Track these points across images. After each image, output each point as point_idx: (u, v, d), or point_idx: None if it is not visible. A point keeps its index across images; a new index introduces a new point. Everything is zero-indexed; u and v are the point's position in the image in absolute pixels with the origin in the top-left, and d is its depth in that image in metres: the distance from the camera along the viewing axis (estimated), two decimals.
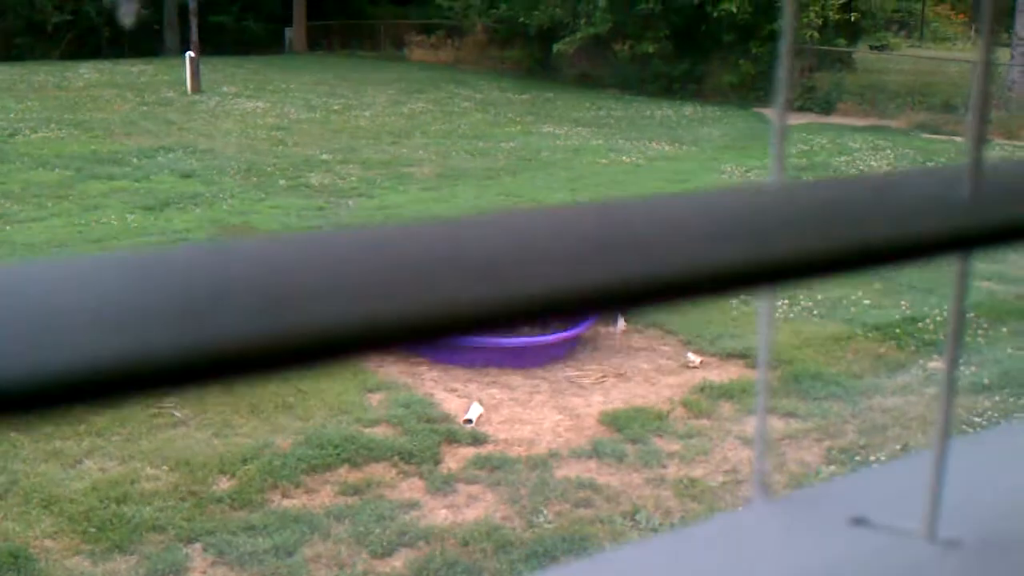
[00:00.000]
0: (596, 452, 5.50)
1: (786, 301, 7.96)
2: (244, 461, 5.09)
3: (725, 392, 6.30)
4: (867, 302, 8.02)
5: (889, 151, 15.67)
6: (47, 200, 11.00)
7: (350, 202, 11.50)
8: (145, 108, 17.88)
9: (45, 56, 27.36)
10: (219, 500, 4.74)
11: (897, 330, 7.45)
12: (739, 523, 0.82)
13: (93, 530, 4.43)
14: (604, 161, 14.60)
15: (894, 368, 6.89)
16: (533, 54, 26.26)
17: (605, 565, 0.76)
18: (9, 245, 9.20)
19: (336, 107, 18.84)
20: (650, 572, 0.71)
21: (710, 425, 5.92)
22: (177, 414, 5.62)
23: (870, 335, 7.38)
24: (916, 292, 8.29)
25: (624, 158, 14.84)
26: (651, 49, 22.51)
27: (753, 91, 21.62)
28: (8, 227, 9.88)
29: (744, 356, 6.88)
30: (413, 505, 4.85)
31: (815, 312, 7.80)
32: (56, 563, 4.22)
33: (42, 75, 21.91)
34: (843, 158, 15.01)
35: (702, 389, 6.34)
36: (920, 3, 30.80)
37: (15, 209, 10.56)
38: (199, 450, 5.20)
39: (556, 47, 23.49)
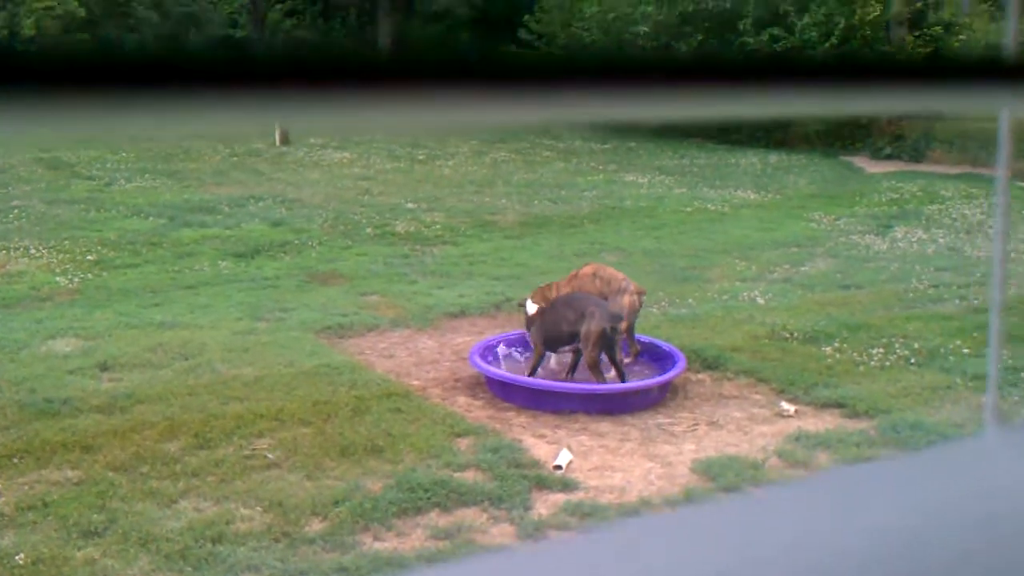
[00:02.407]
0: (689, 501, 5.40)
1: (882, 349, 7.78)
2: (336, 503, 5.09)
3: (821, 441, 6.14)
4: (966, 351, 7.80)
5: (983, 199, 15.33)
6: (142, 247, 11.26)
7: (435, 250, 11.58)
8: (235, 159, 18.28)
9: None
10: (311, 541, 4.74)
11: (998, 380, 7.22)
12: (972, 449, 0.80)
13: (189, 569, 4.45)
14: (688, 209, 14.51)
15: (998, 419, 6.66)
16: None
17: (841, 478, 0.74)
18: (105, 290, 9.42)
19: (420, 157, 19.06)
20: (883, 492, 0.68)
21: (806, 475, 5.77)
22: (270, 456, 5.65)
23: (970, 384, 7.17)
24: (1017, 343, 8.04)
25: (709, 206, 14.74)
26: None
27: (840, 139, 21.40)
28: (105, 273, 10.12)
29: (840, 405, 6.71)
30: (503, 550, 4.79)
31: (912, 361, 7.61)
32: None
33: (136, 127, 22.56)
34: (935, 206, 14.72)
35: (797, 438, 6.20)
36: (1016, 47, 30.22)
37: (111, 256, 10.82)
38: (292, 492, 5.21)
39: None
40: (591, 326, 6.85)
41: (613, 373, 7.05)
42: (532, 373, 7.11)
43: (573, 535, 4.96)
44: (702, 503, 5.27)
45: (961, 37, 23.90)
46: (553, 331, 7.07)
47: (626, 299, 7.40)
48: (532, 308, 7.24)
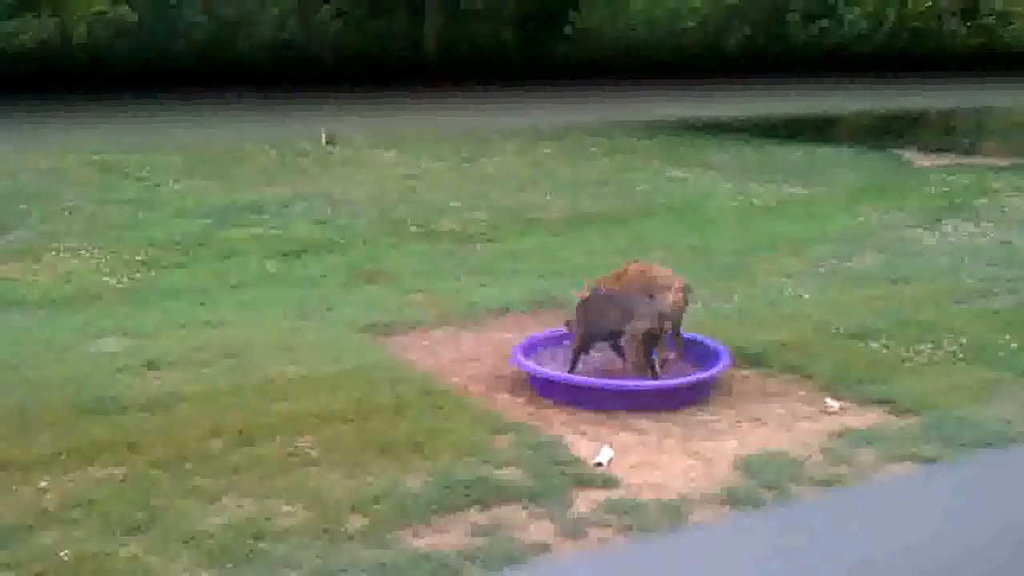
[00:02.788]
0: (730, 498, 5.35)
1: (930, 345, 7.67)
2: (376, 500, 5.11)
3: (866, 438, 6.06)
4: (1015, 346, 7.66)
5: None
6: (189, 247, 11.38)
7: (478, 247, 11.59)
8: (282, 160, 18.42)
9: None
10: (351, 538, 4.77)
11: None
12: None
13: (231, 565, 4.49)
14: (734, 204, 14.40)
15: None
16: None
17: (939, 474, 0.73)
18: (153, 290, 9.54)
19: (464, 155, 19.09)
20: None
21: (849, 472, 5.70)
22: (311, 452, 5.69)
23: (1019, 380, 7.04)
24: None
25: (755, 201, 14.61)
26: None
27: (889, 133, 21.11)
28: (153, 273, 10.24)
29: (886, 401, 6.62)
30: (543, 547, 4.78)
31: (960, 356, 7.49)
32: None
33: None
34: (985, 199, 14.47)
35: (841, 435, 6.12)
36: None
37: (159, 256, 10.95)
38: (332, 488, 5.24)
39: None
40: (637, 325, 6.82)
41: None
42: (572, 368, 7.10)
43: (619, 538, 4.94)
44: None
45: (1014, 26, 23.48)
46: (593, 327, 7.06)
47: (671, 297, 7.35)
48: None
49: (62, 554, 4.55)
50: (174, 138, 0.55)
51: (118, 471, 5.44)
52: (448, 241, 11.91)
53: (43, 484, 5.27)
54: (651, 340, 6.87)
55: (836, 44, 20.87)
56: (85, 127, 0.52)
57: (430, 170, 17.39)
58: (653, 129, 23.55)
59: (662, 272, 7.63)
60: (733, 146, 20.67)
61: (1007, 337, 7.83)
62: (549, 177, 16.64)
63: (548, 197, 14.77)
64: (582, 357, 7.28)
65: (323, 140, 20.13)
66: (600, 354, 7.36)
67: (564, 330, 7.30)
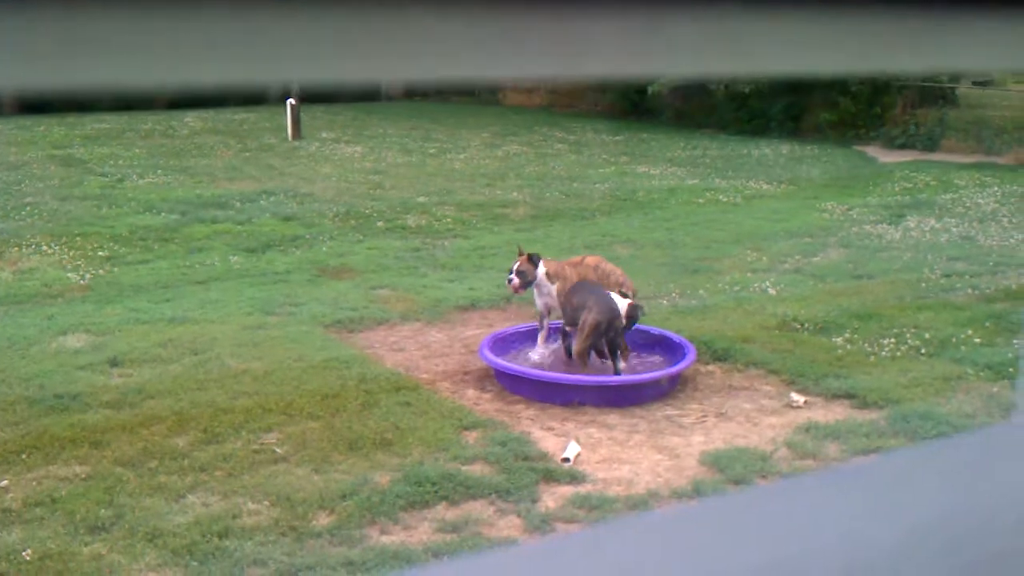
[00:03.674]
0: (697, 493, 5.38)
1: (893, 340, 7.74)
2: (343, 497, 5.09)
3: (831, 432, 6.11)
4: (977, 340, 7.75)
5: (996, 188, 15.24)
6: (153, 243, 11.29)
7: (446, 243, 11.57)
8: (247, 154, 18.31)
9: (151, 105, 28.27)
10: (319, 535, 4.75)
11: (1011, 369, 7.18)
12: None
13: (196, 564, 4.46)
14: (700, 201, 14.47)
15: (1008, 408, 6.62)
16: (627, 95, 26.27)
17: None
18: (116, 286, 9.45)
19: (431, 151, 19.06)
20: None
21: (815, 466, 5.75)
22: (278, 451, 5.66)
23: (981, 375, 7.12)
24: None
25: (721, 197, 14.69)
26: (747, 88, 22.35)
27: (852, 128, 21.29)
28: (116, 269, 10.15)
29: (850, 396, 6.68)
30: (511, 543, 4.78)
31: (923, 351, 7.56)
32: None
33: (148, 123, 22.61)
34: (948, 195, 14.63)
35: (807, 429, 6.17)
36: None
37: (123, 252, 10.85)
38: (299, 486, 5.22)
39: (651, 88, 23.46)
40: (588, 317, 6.88)
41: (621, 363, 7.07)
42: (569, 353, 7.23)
43: (583, 528, 4.95)
44: (732, 495, 5.27)
45: None
46: (569, 313, 7.13)
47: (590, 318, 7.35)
48: (541, 270, 7.29)
49: (25, 553, 4.50)
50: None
51: (82, 469, 5.38)
52: (415, 237, 11.89)
53: (5, 483, 5.21)
54: (598, 333, 6.93)
55: None
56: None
57: (397, 165, 17.34)
58: (619, 126, 23.61)
59: (615, 270, 7.60)
60: (699, 142, 20.77)
61: (969, 332, 7.92)
62: (516, 172, 16.64)
63: (515, 193, 14.78)
64: (552, 347, 7.36)
65: (288, 134, 20.00)
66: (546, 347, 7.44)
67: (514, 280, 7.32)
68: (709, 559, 0.69)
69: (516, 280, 7.27)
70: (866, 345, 7.67)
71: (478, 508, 5.10)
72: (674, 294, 9.13)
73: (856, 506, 0.73)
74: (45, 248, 10.86)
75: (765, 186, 15.72)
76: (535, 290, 7.35)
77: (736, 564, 0.69)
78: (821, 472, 5.63)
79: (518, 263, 7.31)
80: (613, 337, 6.99)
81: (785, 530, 0.70)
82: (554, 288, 7.26)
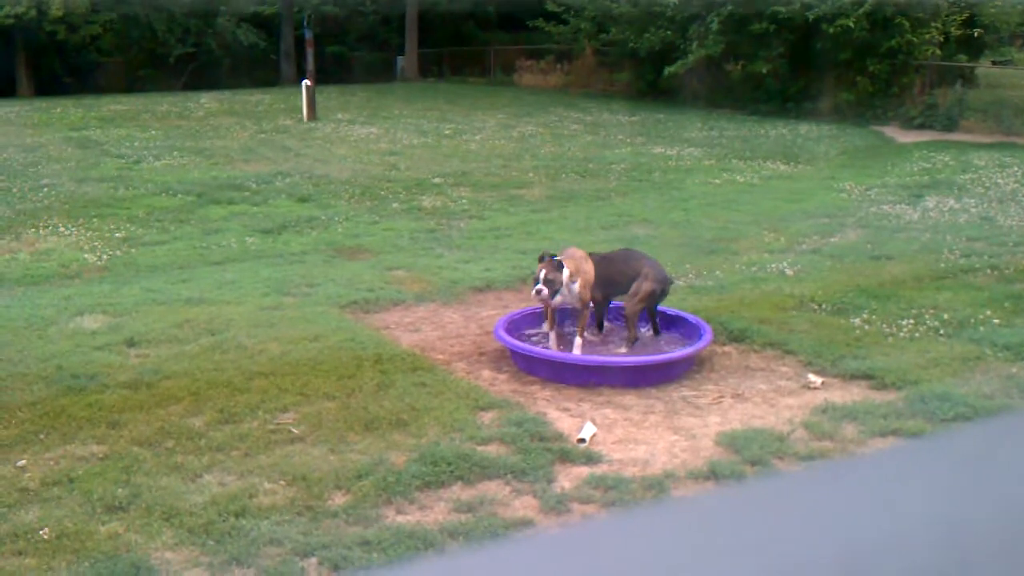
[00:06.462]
0: (713, 474, 5.36)
1: (911, 320, 7.69)
2: (359, 477, 5.09)
3: (848, 413, 6.08)
4: (996, 321, 7.69)
5: (1016, 168, 15.11)
6: (170, 224, 11.32)
7: (461, 224, 11.56)
8: (263, 135, 18.31)
9: (168, 87, 28.29)
10: (334, 515, 4.75)
11: None
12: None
13: (212, 543, 4.47)
14: (717, 181, 14.40)
15: None
16: (643, 76, 26.15)
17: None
18: (133, 267, 9.48)
19: (447, 132, 19.02)
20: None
21: (832, 447, 5.72)
22: (294, 430, 5.67)
23: (1000, 355, 7.07)
24: None
25: (738, 177, 14.61)
26: (764, 68, 22.20)
27: (871, 109, 21.13)
28: (133, 250, 10.18)
29: (868, 377, 6.64)
30: (527, 523, 4.78)
31: (941, 332, 7.51)
32: (176, 575, 4.27)
33: (165, 105, 22.64)
34: (967, 175, 14.52)
35: (824, 410, 6.13)
36: None
37: (140, 233, 10.88)
38: (315, 466, 5.22)
39: (668, 69, 23.31)
40: (644, 285, 7.05)
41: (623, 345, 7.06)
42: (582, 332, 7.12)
43: (599, 512, 4.94)
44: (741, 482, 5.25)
45: (996, 3, 23.52)
46: (603, 287, 7.12)
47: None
48: (566, 273, 6.92)
49: (42, 532, 4.52)
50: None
51: (99, 449, 5.40)
52: (430, 217, 11.87)
53: (22, 462, 5.24)
54: (652, 300, 7.20)
55: (818, 18, 20.82)
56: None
57: (412, 146, 17.32)
58: (635, 107, 23.49)
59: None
60: (715, 123, 20.65)
61: (988, 312, 7.86)
62: (532, 154, 16.59)
63: (531, 174, 14.74)
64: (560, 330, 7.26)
65: (304, 115, 19.99)
66: (592, 334, 7.35)
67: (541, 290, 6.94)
68: (716, 550, 0.67)
69: (545, 291, 6.85)
70: (884, 326, 7.62)
71: (494, 488, 5.09)
72: (691, 274, 9.09)
73: (870, 496, 0.71)
74: (62, 229, 10.90)
75: (782, 166, 15.64)
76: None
77: (743, 555, 0.67)
78: (838, 461, 5.60)
79: (544, 271, 6.85)
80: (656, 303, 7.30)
81: (799, 521, 0.68)
82: (576, 286, 6.97)
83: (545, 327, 7.30)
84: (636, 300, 7.11)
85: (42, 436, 5.54)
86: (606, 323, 7.53)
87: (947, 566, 0.65)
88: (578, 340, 7.09)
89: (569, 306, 7.12)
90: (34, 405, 5.97)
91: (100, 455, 5.33)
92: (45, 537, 4.48)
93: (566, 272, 6.92)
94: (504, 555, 0.67)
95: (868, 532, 0.69)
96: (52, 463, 5.23)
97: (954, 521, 0.69)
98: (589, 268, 7.08)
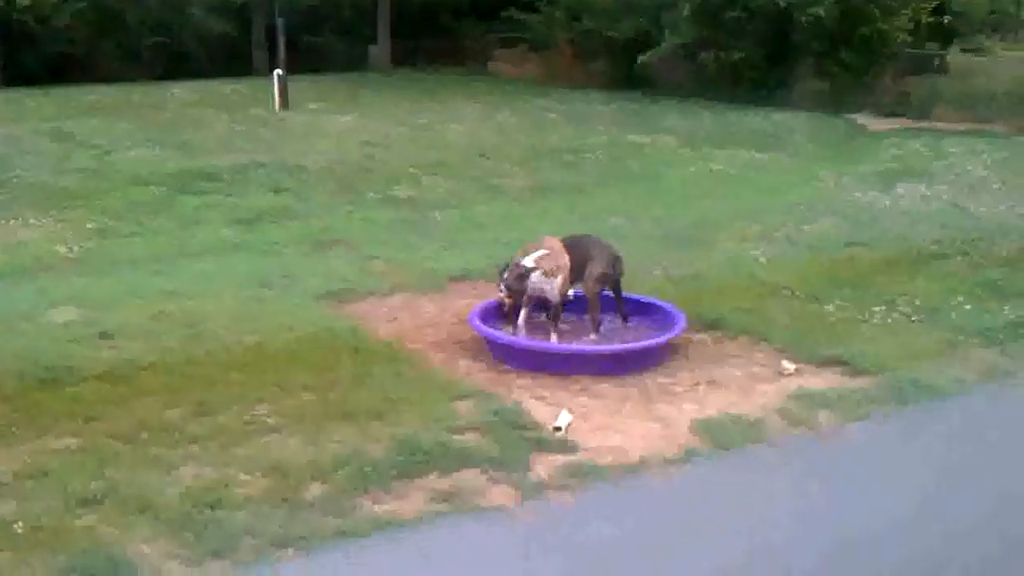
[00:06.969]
0: (689, 461, 5.40)
1: (884, 307, 7.75)
2: (336, 467, 5.10)
3: (822, 400, 6.13)
4: (968, 307, 7.77)
5: (987, 155, 15.23)
6: (145, 216, 11.24)
7: (437, 214, 11.55)
8: (236, 125, 18.19)
9: (140, 78, 28.07)
10: (311, 505, 4.76)
11: (1001, 336, 7.21)
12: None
13: (189, 535, 4.47)
14: (692, 169, 14.45)
15: (999, 375, 6.65)
16: (618, 66, 26.12)
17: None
18: (108, 259, 9.42)
19: (423, 122, 18.96)
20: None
21: (807, 434, 5.77)
22: (270, 421, 5.66)
23: (972, 341, 7.15)
24: (1021, 298, 8.01)
25: (713, 166, 14.67)
26: (738, 57, 22.23)
27: (844, 97, 21.21)
28: (108, 242, 10.12)
29: (842, 363, 6.70)
30: (503, 512, 4.80)
31: (914, 318, 7.58)
32: (152, 568, 4.26)
33: (137, 96, 22.46)
34: (939, 163, 14.62)
35: (798, 397, 6.19)
36: (1016, 5, 29.91)
37: (115, 225, 10.81)
38: (292, 456, 5.22)
39: (641, 58, 23.31)
40: (594, 268, 7.08)
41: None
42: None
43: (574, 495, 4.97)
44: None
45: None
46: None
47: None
48: (537, 274, 6.86)
49: (17, 526, 4.50)
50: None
51: (74, 441, 5.38)
52: (408, 208, 11.86)
53: None
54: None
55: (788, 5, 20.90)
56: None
57: (389, 136, 17.24)
58: (610, 96, 23.50)
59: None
60: (691, 113, 20.69)
61: (960, 299, 7.94)
62: (508, 143, 16.57)
63: (507, 164, 14.73)
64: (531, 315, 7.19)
65: (275, 104, 19.87)
66: (568, 323, 7.34)
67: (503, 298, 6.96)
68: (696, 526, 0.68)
69: (507, 303, 6.90)
70: (858, 313, 7.69)
71: (470, 477, 5.11)
72: (666, 263, 9.12)
73: (850, 473, 0.72)
74: (35, 221, 10.81)
75: (757, 155, 15.70)
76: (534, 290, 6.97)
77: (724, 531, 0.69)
78: (813, 440, 5.66)
79: (509, 276, 6.81)
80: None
81: (776, 498, 0.70)
82: (557, 282, 6.90)
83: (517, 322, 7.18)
84: (592, 283, 7.14)
85: (16, 429, 5.52)
86: (564, 314, 7.43)
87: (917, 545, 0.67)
88: (553, 335, 7.08)
89: (543, 298, 7.08)
90: (8, 398, 5.94)
91: (75, 448, 5.31)
92: (20, 531, 4.46)
93: (537, 272, 6.87)
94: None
95: (839, 511, 0.70)
96: (26, 456, 5.20)
97: (921, 500, 0.71)
98: (566, 261, 7.06)
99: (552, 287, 6.93)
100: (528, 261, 6.88)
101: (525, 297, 6.98)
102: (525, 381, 6.44)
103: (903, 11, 21.29)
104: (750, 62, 22.46)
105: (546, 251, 6.99)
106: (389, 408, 5.86)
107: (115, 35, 30.02)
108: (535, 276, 6.87)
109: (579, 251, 7.15)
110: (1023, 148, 16.29)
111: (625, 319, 7.45)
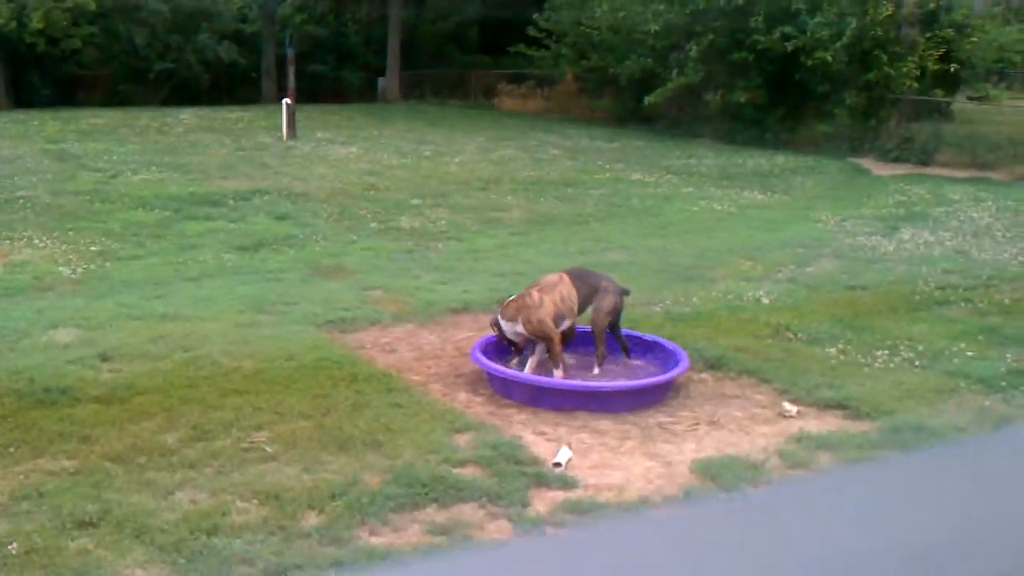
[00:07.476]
0: (688, 501, 5.35)
1: (886, 351, 7.73)
2: (333, 497, 5.06)
3: (823, 443, 6.09)
4: (970, 354, 7.74)
5: (990, 202, 15.26)
6: (146, 239, 11.25)
7: (439, 245, 11.55)
8: (242, 152, 18.26)
9: (147, 102, 28.20)
10: (307, 535, 4.71)
11: (1003, 383, 7.18)
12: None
13: (183, 561, 4.42)
14: (695, 209, 14.47)
15: (1000, 422, 6.62)
16: (623, 103, 26.27)
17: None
18: (108, 281, 9.41)
19: (427, 153, 19.03)
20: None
21: (807, 476, 5.73)
22: (268, 449, 5.63)
23: (974, 387, 7.12)
24: (1023, 345, 7.99)
25: (716, 206, 14.69)
26: (743, 98, 22.34)
27: (848, 141, 21.30)
28: (108, 264, 10.11)
29: (843, 406, 6.66)
30: (501, 547, 4.75)
31: (916, 363, 7.56)
32: None
33: (144, 120, 22.55)
34: (942, 209, 14.65)
35: (799, 439, 6.15)
36: (1022, 54, 30.11)
37: (116, 247, 10.81)
38: (289, 485, 5.18)
39: (647, 98, 23.42)
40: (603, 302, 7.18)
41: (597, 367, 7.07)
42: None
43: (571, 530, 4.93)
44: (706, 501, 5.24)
45: (973, 39, 23.83)
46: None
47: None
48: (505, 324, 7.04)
49: (11, 547, 4.46)
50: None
51: (70, 463, 5.34)
52: (408, 239, 11.86)
53: None
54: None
55: (796, 49, 21.01)
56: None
57: (391, 167, 17.31)
58: (615, 133, 23.60)
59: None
60: (694, 152, 20.77)
61: (962, 345, 7.91)
62: (511, 177, 16.62)
63: (510, 197, 14.76)
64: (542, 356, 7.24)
65: (283, 134, 19.94)
66: (572, 359, 7.33)
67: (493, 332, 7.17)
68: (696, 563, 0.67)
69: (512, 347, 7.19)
70: (859, 356, 7.66)
71: (468, 511, 5.07)
72: (667, 301, 9.11)
73: (848, 513, 0.71)
74: (37, 242, 10.81)
75: (759, 196, 15.73)
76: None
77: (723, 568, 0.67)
78: (813, 478, 5.62)
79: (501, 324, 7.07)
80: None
81: (776, 536, 0.69)
82: (519, 326, 6.98)
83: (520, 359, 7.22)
84: (602, 315, 7.16)
85: (12, 449, 5.48)
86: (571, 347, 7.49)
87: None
88: (557, 372, 7.05)
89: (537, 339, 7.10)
90: (5, 418, 5.90)
91: (71, 470, 5.27)
92: (14, 552, 4.42)
93: (505, 323, 7.02)
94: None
95: (835, 548, 0.69)
96: (22, 477, 5.16)
97: (921, 541, 0.70)
98: (569, 292, 7.09)
99: (518, 328, 7.00)
100: (498, 311, 7.09)
101: (521, 340, 7.06)
102: (525, 416, 6.40)
103: (910, 58, 21.42)
104: (755, 103, 22.57)
105: (511, 297, 7.15)
106: (387, 439, 5.83)
107: (124, 59, 30.16)
108: (503, 323, 7.03)
109: (587, 283, 7.18)
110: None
111: (627, 353, 7.43)
